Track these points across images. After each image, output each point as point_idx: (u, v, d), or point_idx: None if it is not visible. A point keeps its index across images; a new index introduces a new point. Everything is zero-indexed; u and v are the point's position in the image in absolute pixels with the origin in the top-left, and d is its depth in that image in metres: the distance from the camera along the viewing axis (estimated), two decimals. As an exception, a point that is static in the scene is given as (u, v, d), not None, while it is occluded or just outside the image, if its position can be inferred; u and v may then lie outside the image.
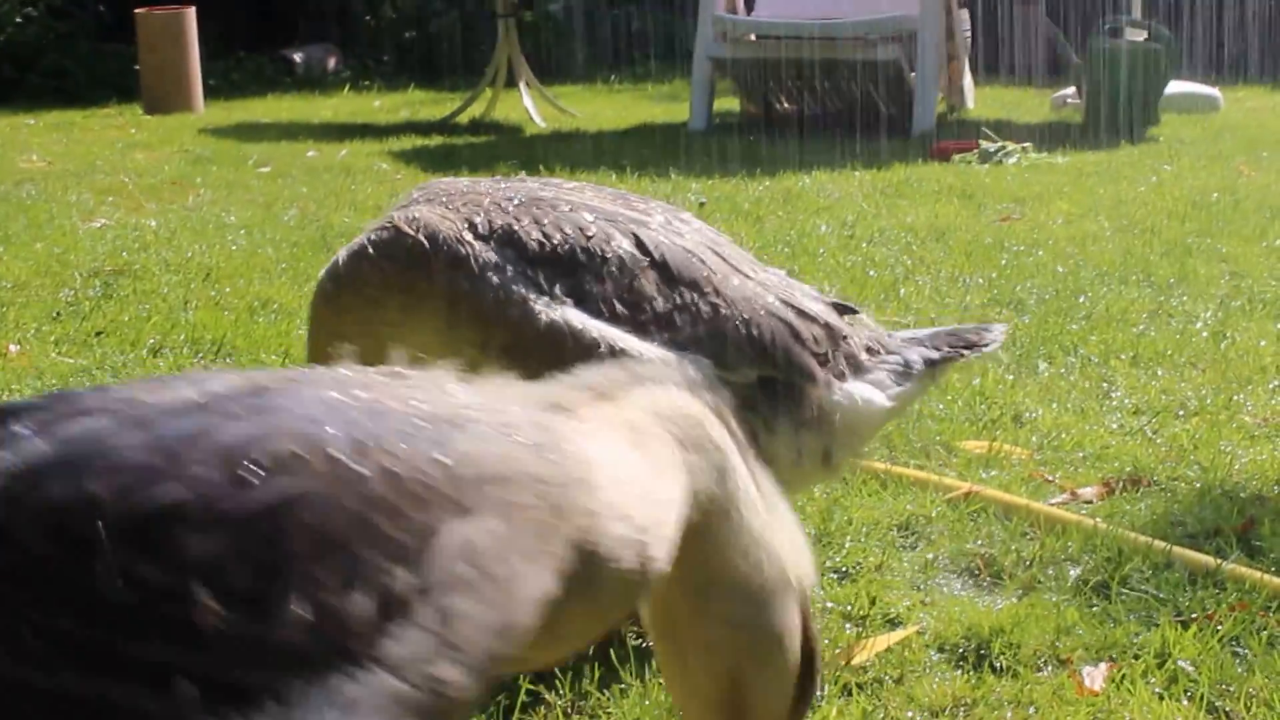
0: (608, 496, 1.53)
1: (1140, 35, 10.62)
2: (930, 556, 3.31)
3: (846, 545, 3.33)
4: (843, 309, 2.84)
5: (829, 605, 3.06)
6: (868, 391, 2.70)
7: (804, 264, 6.11)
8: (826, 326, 2.72)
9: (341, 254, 2.66)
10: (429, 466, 1.37)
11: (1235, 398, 4.37)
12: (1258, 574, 3.12)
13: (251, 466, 1.28)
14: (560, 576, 1.46)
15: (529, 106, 11.60)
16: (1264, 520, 3.39)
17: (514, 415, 1.54)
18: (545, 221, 2.58)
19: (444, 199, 2.64)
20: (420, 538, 1.34)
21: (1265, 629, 2.90)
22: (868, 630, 2.96)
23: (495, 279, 2.52)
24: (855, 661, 2.80)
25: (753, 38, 10.94)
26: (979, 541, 3.37)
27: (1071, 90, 11.56)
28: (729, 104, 11.88)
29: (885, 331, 2.84)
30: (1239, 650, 2.84)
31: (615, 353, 2.49)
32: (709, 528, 1.66)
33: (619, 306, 2.55)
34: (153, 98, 12.51)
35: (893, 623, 3.01)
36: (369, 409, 1.41)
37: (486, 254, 2.54)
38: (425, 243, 2.55)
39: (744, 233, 6.87)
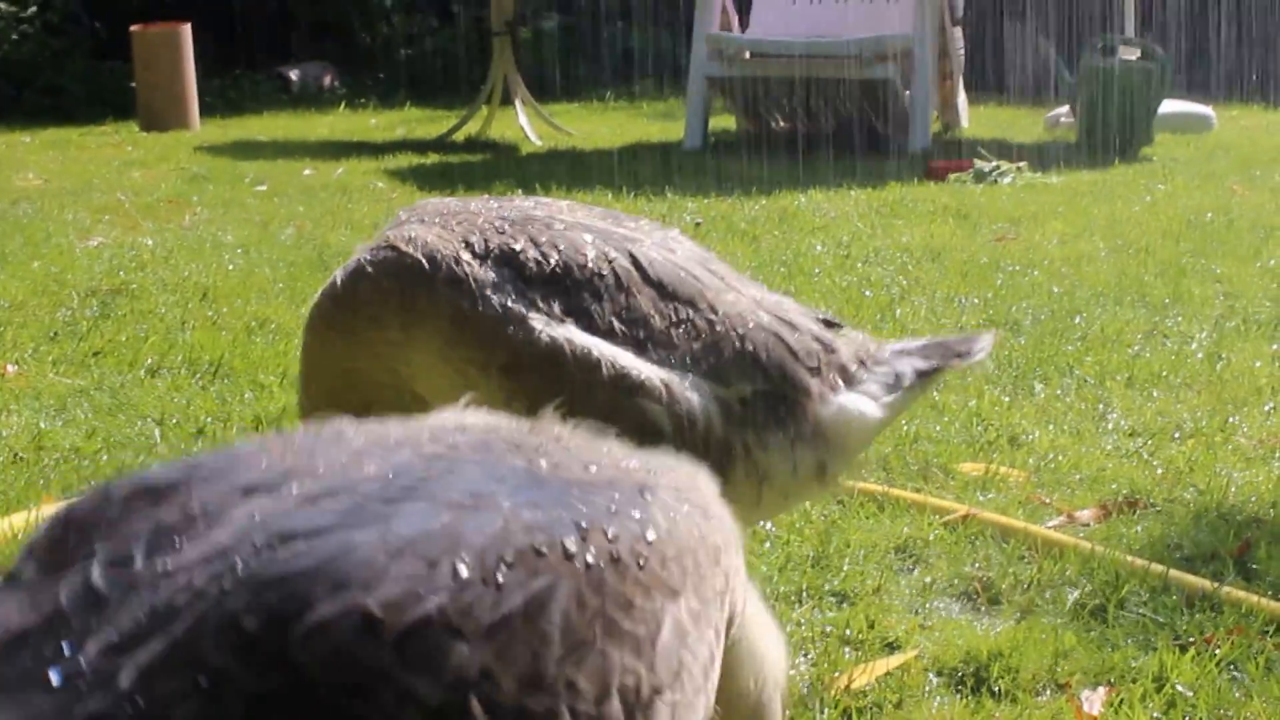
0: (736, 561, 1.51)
1: (1134, 54, 10.65)
2: (928, 580, 3.32)
3: (844, 568, 3.34)
4: (829, 323, 2.84)
5: (827, 629, 3.06)
6: (860, 402, 2.69)
7: (800, 284, 6.12)
8: (818, 340, 2.71)
9: (339, 274, 2.65)
10: (642, 547, 1.33)
11: (1231, 419, 4.38)
12: (1255, 598, 3.12)
13: (502, 567, 1.23)
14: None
15: (524, 125, 11.62)
16: (1260, 543, 3.40)
17: (677, 478, 1.51)
18: (541, 240, 2.59)
19: (439, 219, 2.64)
20: (650, 628, 1.30)
21: (1263, 653, 2.91)
22: (866, 654, 2.97)
23: (495, 298, 2.52)
24: (854, 686, 2.80)
25: (748, 56, 10.96)
26: (976, 565, 3.38)
27: (1065, 109, 11.59)
28: (725, 122, 11.91)
29: (875, 343, 2.83)
30: (1237, 675, 2.84)
31: (616, 372, 2.50)
32: (729, 649, 1.56)
33: (617, 324, 2.55)
34: (149, 115, 12.53)
35: (891, 646, 3.01)
36: (568, 484, 1.36)
37: (485, 273, 2.54)
38: (424, 262, 2.54)
39: (740, 252, 6.88)
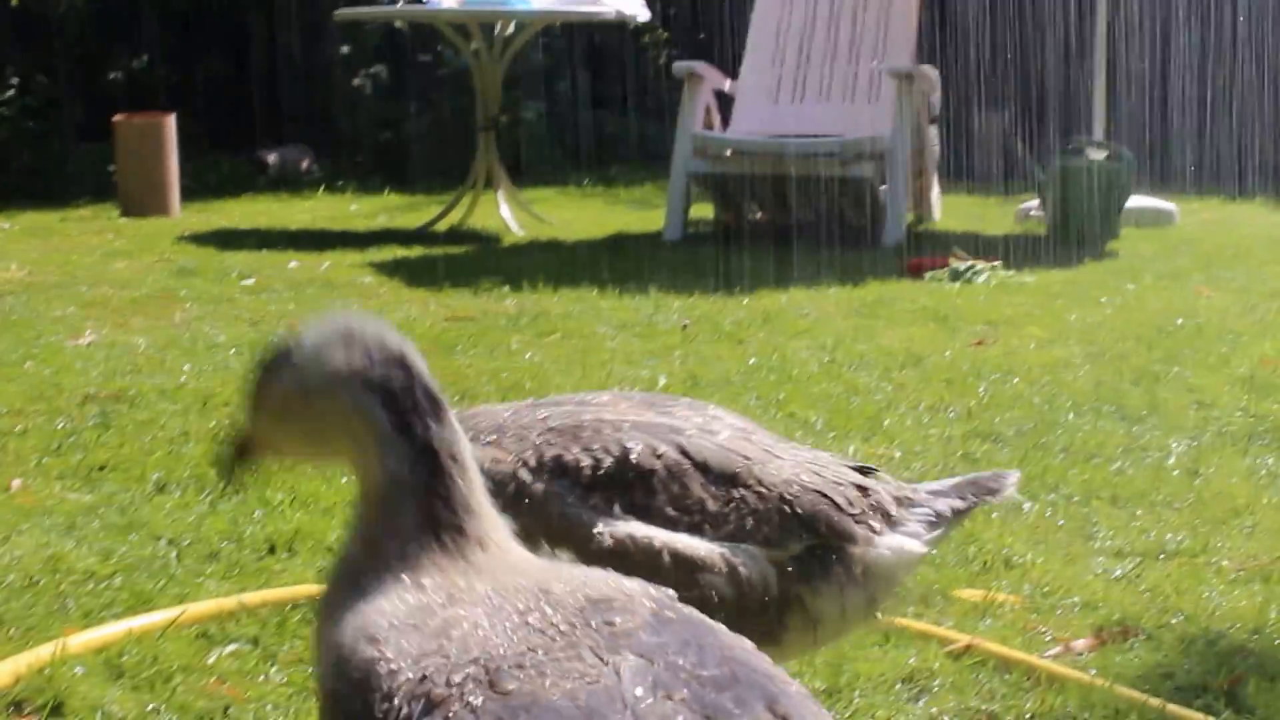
0: None
1: (1101, 154, 10.87)
2: (935, 710, 3.43)
3: (855, 700, 3.45)
4: (864, 470, 3.02)
5: (841, 765, 3.17)
6: (904, 542, 2.91)
7: (789, 392, 6.25)
8: (859, 489, 2.91)
9: None
10: None
11: (1211, 541, 4.50)
12: (1248, 734, 3.24)
13: None
14: None
15: (507, 216, 11.73)
16: (1250, 678, 3.51)
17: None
18: (594, 447, 2.77)
19: (492, 435, 2.80)
20: None
21: (1258, 790, 3.02)
22: (880, 792, 3.08)
23: (555, 508, 2.71)
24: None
25: (729, 153, 11.13)
26: (980, 697, 3.48)
27: (1035, 203, 11.78)
28: (702, 211, 12.04)
29: (910, 485, 3.02)
30: (1236, 815, 2.95)
31: (676, 555, 2.71)
32: None
33: (672, 511, 2.75)
34: (129, 201, 12.58)
35: (903, 782, 3.12)
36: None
37: (543, 487, 2.71)
38: (488, 484, 2.70)
39: (727, 356, 7.01)
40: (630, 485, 2.74)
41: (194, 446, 5.40)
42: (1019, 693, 3.51)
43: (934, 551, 3.00)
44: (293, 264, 10.04)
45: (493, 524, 2.04)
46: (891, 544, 2.90)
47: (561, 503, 2.71)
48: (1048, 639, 3.83)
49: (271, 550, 4.40)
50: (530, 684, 1.67)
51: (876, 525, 2.89)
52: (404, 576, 1.90)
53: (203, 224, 12.11)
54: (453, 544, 1.96)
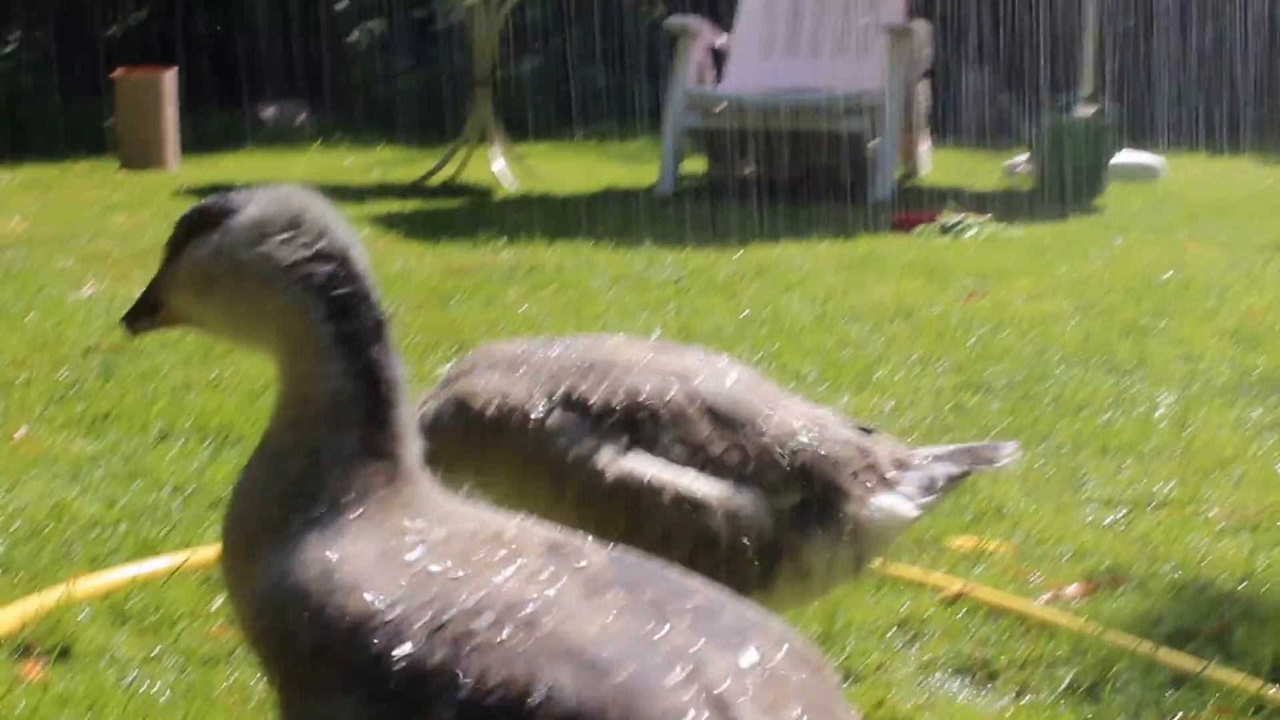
0: None
1: (1090, 110, 10.86)
2: (927, 657, 3.44)
3: (850, 646, 3.46)
4: (865, 430, 3.02)
5: (837, 709, 3.17)
6: (896, 504, 2.90)
7: (783, 344, 6.24)
8: (857, 448, 2.91)
9: (429, 411, 2.79)
10: None
11: (1200, 490, 4.52)
12: (1237, 678, 3.25)
13: None
14: None
15: (501, 170, 11.70)
16: (1239, 625, 3.53)
17: None
18: (604, 384, 2.78)
19: (505, 366, 2.80)
20: None
21: (1246, 733, 3.04)
22: (876, 735, 3.09)
23: (564, 441, 2.71)
24: (868, 769, 2.92)
25: (721, 108, 11.10)
26: (973, 642, 3.49)
27: (1023, 157, 11.76)
28: (693, 165, 12.01)
29: (908, 449, 3.01)
30: (1225, 758, 2.97)
31: (677, 493, 2.71)
32: None
33: (676, 452, 2.76)
34: (128, 155, 12.55)
35: (899, 726, 3.13)
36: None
37: (554, 418, 2.71)
38: (495, 414, 2.72)
39: (721, 310, 7.01)
40: (637, 423, 2.75)
41: (196, 396, 5.39)
42: (1011, 638, 3.51)
43: (921, 515, 2.99)
44: (290, 217, 10.00)
45: (418, 458, 1.94)
46: (883, 504, 2.89)
47: (568, 437, 2.72)
48: (1039, 586, 3.84)
49: (274, 498, 4.39)
50: (543, 624, 1.64)
51: (871, 485, 2.89)
52: (360, 511, 1.82)
53: (200, 177, 12.06)
54: (392, 476, 1.87)
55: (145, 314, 2.07)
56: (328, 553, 1.76)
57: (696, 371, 2.87)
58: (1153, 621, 3.60)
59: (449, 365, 3.00)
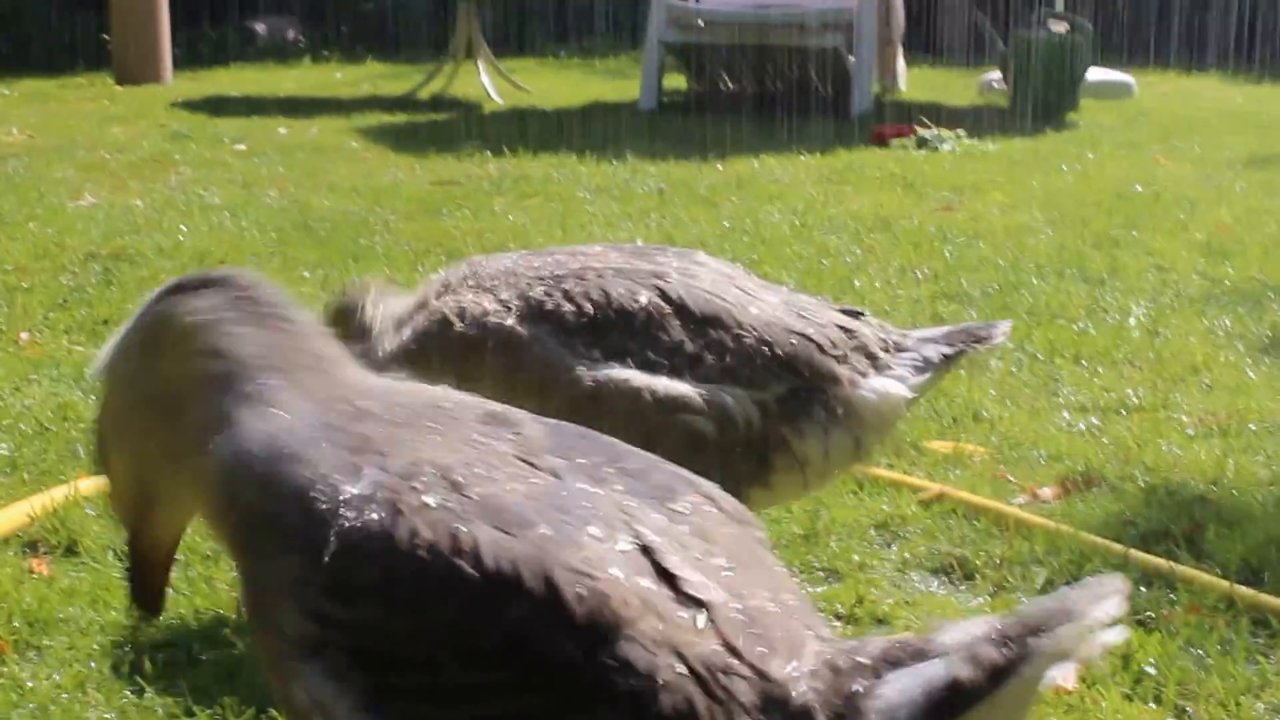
0: None
1: (1063, 27, 10.80)
2: (907, 556, 3.44)
3: (832, 545, 3.46)
4: (853, 313, 2.96)
5: (820, 605, 3.18)
6: (889, 385, 2.85)
7: (763, 254, 6.22)
8: (842, 330, 2.86)
9: (388, 343, 2.77)
10: None
11: (1171, 396, 4.51)
12: (1207, 577, 3.25)
13: None
14: None
15: (487, 84, 11.63)
16: (1209, 524, 3.53)
17: None
18: (576, 293, 2.75)
19: (485, 282, 2.79)
20: None
21: (1215, 630, 3.03)
22: (859, 629, 3.09)
23: (541, 354, 2.69)
24: (851, 663, 2.91)
25: (701, 23, 11.02)
26: (951, 542, 3.50)
27: (997, 75, 11.71)
28: (676, 81, 11.95)
29: (900, 331, 2.97)
30: (1196, 653, 2.97)
31: (657, 395, 2.68)
32: None
33: (653, 355, 2.72)
34: (124, 69, 12.43)
35: (880, 621, 3.13)
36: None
37: (530, 332, 2.70)
38: (474, 330, 2.70)
39: (703, 219, 6.98)
40: (611, 329, 2.72)
41: (194, 302, 5.35)
42: (987, 538, 3.52)
43: (920, 396, 2.95)
44: (282, 130, 9.95)
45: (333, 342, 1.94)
46: (876, 386, 2.84)
47: (543, 347, 2.70)
48: (1015, 488, 3.84)
49: (272, 401, 4.37)
50: (486, 487, 1.66)
51: (861, 367, 2.84)
52: (300, 388, 1.82)
53: (195, 91, 11.97)
54: (330, 358, 1.88)
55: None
56: (268, 425, 1.77)
57: (668, 272, 2.83)
58: (1125, 522, 3.60)
59: (439, 272, 2.96)
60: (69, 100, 11.49)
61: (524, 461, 1.73)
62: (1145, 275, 5.97)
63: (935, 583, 3.34)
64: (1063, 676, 1.55)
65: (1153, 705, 2.77)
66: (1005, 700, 1.53)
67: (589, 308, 2.73)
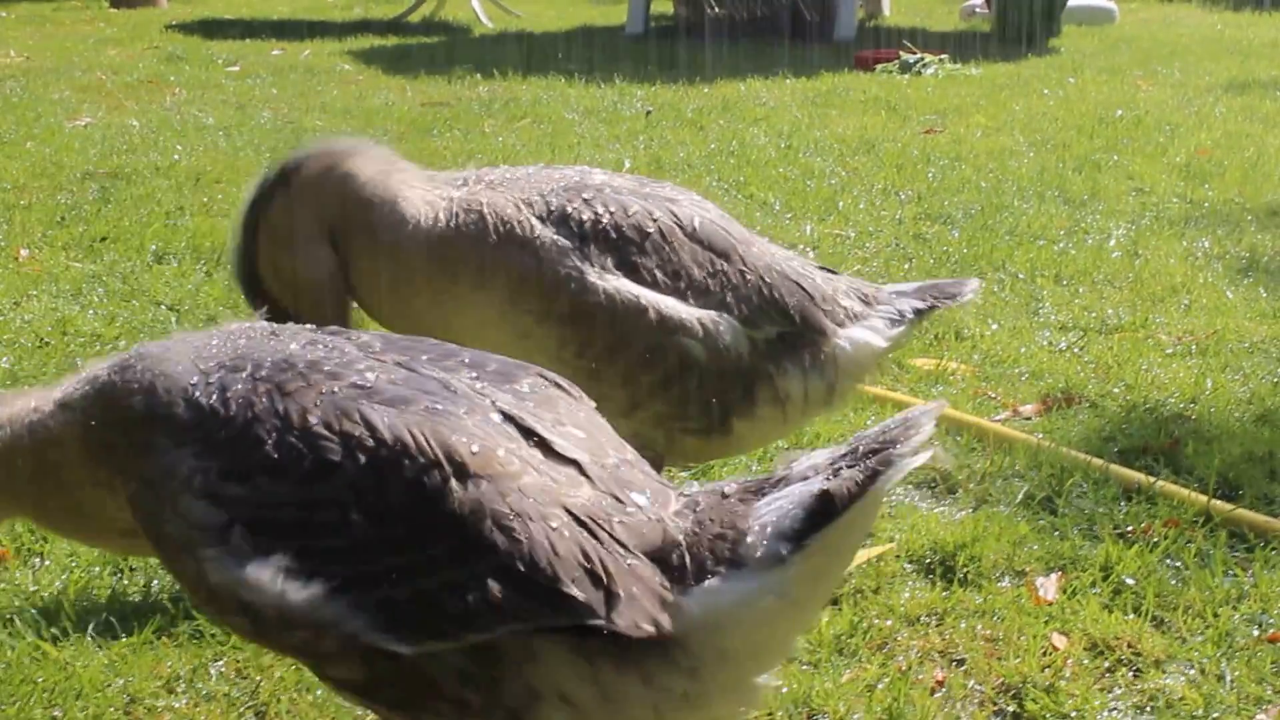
0: None
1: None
2: (891, 470, 3.43)
3: (817, 460, 3.44)
4: (828, 271, 3.00)
5: (806, 518, 3.17)
6: (866, 335, 2.88)
7: (749, 175, 6.19)
8: (828, 283, 2.90)
9: (418, 224, 2.73)
10: None
11: (1150, 316, 4.50)
12: (1185, 492, 3.25)
13: None
14: None
15: (477, 8, 11.54)
16: (1188, 440, 3.52)
17: None
18: (595, 203, 2.73)
19: (502, 185, 2.75)
20: None
21: (1193, 543, 3.03)
22: (843, 542, 3.08)
23: (555, 255, 2.66)
24: (837, 574, 2.91)
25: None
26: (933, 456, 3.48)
27: (980, 0, 11.63)
28: (663, 6, 11.86)
29: (874, 285, 2.99)
30: (1174, 564, 2.97)
31: (660, 315, 2.67)
32: None
33: (660, 275, 2.72)
34: (119, -9, 12.34)
35: (866, 535, 3.12)
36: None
37: (547, 233, 2.67)
38: (497, 224, 2.66)
39: (690, 141, 6.93)
40: (625, 243, 2.71)
41: (190, 220, 5.32)
42: (970, 453, 3.51)
43: (893, 348, 2.97)
44: (275, 52, 9.87)
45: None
46: (853, 336, 2.88)
47: (559, 250, 2.68)
48: (997, 404, 3.83)
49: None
50: (358, 376, 1.83)
51: (841, 318, 2.88)
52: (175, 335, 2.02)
53: (188, 14, 11.87)
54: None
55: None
56: (153, 347, 1.94)
57: (682, 200, 2.84)
58: (1105, 438, 3.59)
59: (456, 170, 2.92)
60: (64, 23, 11.40)
61: (374, 358, 1.89)
62: (1125, 198, 5.94)
63: (918, 496, 3.33)
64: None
65: (1131, 616, 2.77)
66: (869, 503, 1.73)
67: (606, 218, 2.72)
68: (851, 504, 1.72)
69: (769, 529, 1.75)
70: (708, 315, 2.72)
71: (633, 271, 2.70)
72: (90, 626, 2.69)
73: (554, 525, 1.73)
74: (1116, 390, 3.91)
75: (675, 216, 2.77)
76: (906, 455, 1.73)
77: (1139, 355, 4.15)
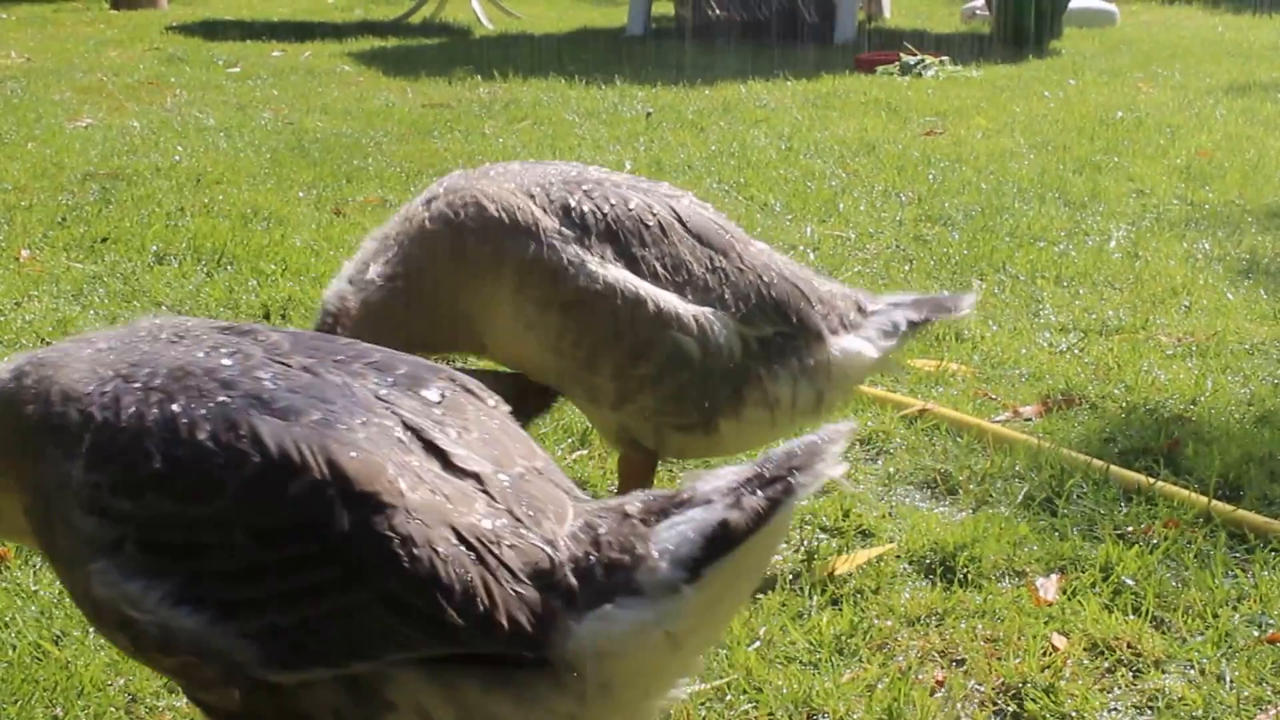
0: None
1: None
2: (892, 470, 3.44)
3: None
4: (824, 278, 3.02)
5: (807, 518, 3.17)
6: (859, 345, 2.89)
7: (749, 176, 6.19)
8: (825, 288, 2.92)
9: (431, 217, 2.74)
10: None
11: (1151, 317, 4.50)
12: (1185, 493, 3.25)
13: None
14: None
15: (477, 10, 11.54)
16: (1188, 442, 3.53)
17: None
18: (595, 195, 2.77)
19: (509, 178, 2.77)
20: None
21: (1194, 544, 3.03)
22: (845, 541, 3.08)
23: (560, 245, 2.70)
24: (838, 573, 2.92)
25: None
26: (934, 457, 3.49)
27: (980, 2, 11.64)
28: (663, 8, 11.87)
29: (871, 295, 3.00)
30: (1174, 565, 2.97)
31: (658, 309, 2.70)
32: None
33: (660, 269, 2.75)
34: (119, -7, 12.35)
35: (864, 534, 3.13)
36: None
37: (552, 224, 2.70)
38: (507, 214, 2.68)
39: (690, 143, 6.93)
40: (624, 235, 2.74)
41: (190, 220, 5.33)
42: (970, 454, 3.51)
43: (885, 360, 2.97)
44: (276, 53, 9.88)
45: None
46: (846, 345, 2.88)
47: (565, 240, 2.70)
48: (997, 405, 3.83)
49: (266, 316, 4.36)
50: (254, 384, 1.79)
51: (835, 325, 2.88)
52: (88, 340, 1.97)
53: (189, 16, 11.88)
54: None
55: None
56: (52, 353, 1.93)
57: (681, 196, 2.87)
58: (1105, 439, 3.59)
59: (445, 177, 2.94)
60: (65, 24, 11.40)
61: (278, 362, 1.85)
62: (1126, 199, 5.94)
63: (919, 497, 3.33)
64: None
65: (1131, 616, 2.77)
66: (770, 534, 1.70)
67: (607, 209, 2.75)
68: (751, 533, 1.68)
69: (667, 555, 1.71)
70: (703, 312, 2.74)
71: (632, 263, 2.73)
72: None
73: (440, 549, 1.68)
74: (1117, 391, 3.91)
75: (674, 211, 2.81)
76: (809, 483, 1.70)
77: (1139, 356, 4.16)
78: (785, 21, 10.76)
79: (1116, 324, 4.44)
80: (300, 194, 5.79)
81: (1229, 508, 3.17)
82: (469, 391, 1.91)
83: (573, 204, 2.74)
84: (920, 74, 9.10)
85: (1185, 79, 9.25)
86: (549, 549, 1.73)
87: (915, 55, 9.31)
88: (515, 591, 1.69)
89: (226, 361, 1.83)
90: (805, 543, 3.09)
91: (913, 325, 2.95)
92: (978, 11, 11.65)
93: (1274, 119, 7.80)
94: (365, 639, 1.67)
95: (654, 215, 2.77)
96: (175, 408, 1.75)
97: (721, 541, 1.69)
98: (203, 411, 1.74)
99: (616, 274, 2.70)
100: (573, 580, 1.72)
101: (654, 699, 1.78)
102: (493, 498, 1.76)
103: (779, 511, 1.69)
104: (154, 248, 4.99)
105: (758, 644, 2.67)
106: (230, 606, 1.68)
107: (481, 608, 1.67)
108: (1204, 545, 3.03)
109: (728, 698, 2.51)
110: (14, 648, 2.60)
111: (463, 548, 1.69)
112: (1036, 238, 5.32)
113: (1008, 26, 10.51)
